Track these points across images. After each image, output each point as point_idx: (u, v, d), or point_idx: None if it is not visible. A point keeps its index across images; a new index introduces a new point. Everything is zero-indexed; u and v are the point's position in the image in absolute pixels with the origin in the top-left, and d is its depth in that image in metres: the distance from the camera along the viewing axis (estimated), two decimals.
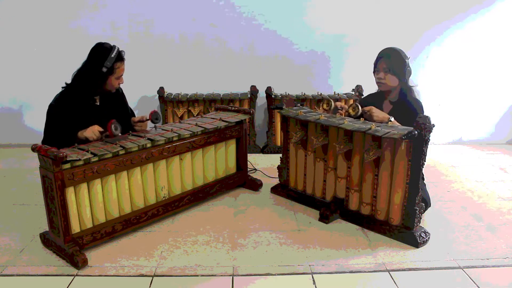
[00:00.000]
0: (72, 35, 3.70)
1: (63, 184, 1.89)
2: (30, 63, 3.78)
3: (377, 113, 2.32)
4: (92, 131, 2.23)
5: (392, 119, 2.28)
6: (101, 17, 3.70)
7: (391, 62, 2.34)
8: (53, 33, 3.72)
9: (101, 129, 2.24)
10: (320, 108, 2.47)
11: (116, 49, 2.27)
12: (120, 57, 2.29)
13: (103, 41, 2.32)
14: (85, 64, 2.30)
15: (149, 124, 2.48)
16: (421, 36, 3.84)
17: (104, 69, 2.24)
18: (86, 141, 2.21)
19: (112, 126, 2.15)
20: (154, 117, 2.38)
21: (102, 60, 2.23)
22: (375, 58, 2.42)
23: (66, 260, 1.98)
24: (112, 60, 2.24)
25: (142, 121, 2.45)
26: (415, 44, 3.83)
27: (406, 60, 2.35)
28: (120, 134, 2.21)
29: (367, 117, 2.34)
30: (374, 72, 2.45)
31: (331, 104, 2.49)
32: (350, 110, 2.37)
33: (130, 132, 2.39)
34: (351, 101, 2.33)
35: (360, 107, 2.34)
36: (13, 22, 3.69)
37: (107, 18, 3.71)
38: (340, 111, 2.46)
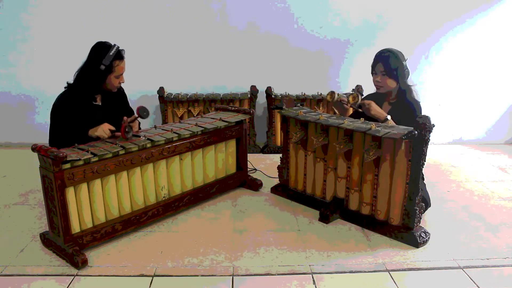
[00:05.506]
0: (72, 35, 3.70)
1: (63, 184, 1.89)
2: (30, 62, 3.78)
3: (375, 108, 2.33)
4: (103, 130, 2.23)
5: (389, 117, 2.28)
6: (101, 16, 3.70)
7: (389, 65, 2.33)
8: (53, 33, 3.72)
9: (112, 128, 2.24)
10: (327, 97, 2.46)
11: (115, 47, 2.26)
12: (119, 55, 2.28)
13: (104, 40, 2.31)
14: (85, 63, 2.30)
15: (140, 121, 2.45)
16: (421, 37, 3.84)
17: (102, 67, 2.23)
18: (97, 139, 2.22)
19: (126, 129, 2.17)
20: (141, 112, 2.30)
21: (101, 58, 2.23)
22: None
23: (66, 260, 1.97)
24: (110, 58, 2.23)
25: (133, 121, 2.41)
26: (415, 45, 3.82)
27: (404, 62, 2.34)
28: (131, 137, 2.23)
29: (365, 109, 2.35)
30: (372, 73, 2.45)
31: (334, 97, 2.45)
32: (350, 99, 2.37)
33: None
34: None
35: (360, 97, 2.35)
36: (13, 21, 3.69)
37: (107, 17, 3.71)
38: (344, 105, 2.45)
